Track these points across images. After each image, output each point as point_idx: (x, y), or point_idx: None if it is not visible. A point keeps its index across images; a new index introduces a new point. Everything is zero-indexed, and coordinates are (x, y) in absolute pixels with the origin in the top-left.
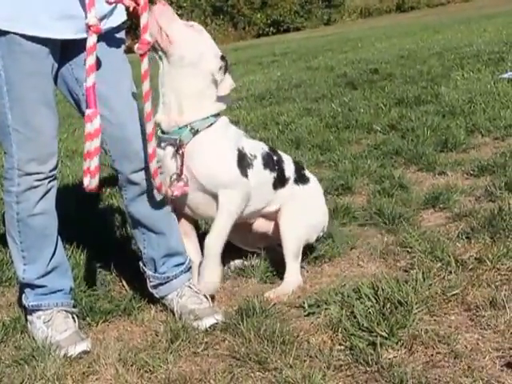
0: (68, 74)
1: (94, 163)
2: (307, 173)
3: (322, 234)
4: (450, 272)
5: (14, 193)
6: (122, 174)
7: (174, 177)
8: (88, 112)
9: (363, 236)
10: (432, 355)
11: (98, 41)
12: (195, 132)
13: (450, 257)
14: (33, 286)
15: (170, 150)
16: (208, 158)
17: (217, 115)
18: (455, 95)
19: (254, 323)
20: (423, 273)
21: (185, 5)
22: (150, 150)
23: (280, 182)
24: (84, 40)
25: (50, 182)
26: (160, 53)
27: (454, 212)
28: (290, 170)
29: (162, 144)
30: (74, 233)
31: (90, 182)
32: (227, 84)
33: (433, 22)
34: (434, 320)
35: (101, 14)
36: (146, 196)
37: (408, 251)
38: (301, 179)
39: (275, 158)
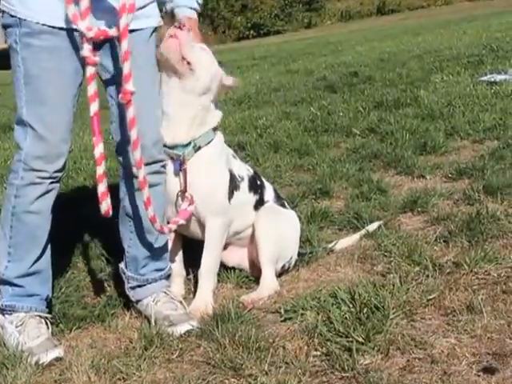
0: None
1: (100, 188)
2: (287, 204)
3: (288, 264)
4: (428, 276)
5: (15, 185)
6: (126, 166)
7: (179, 194)
8: (93, 139)
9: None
10: (408, 360)
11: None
12: (197, 148)
13: (427, 261)
14: (10, 284)
15: (170, 163)
16: (205, 183)
17: (215, 129)
18: (434, 98)
19: (229, 329)
20: (400, 277)
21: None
22: (140, 177)
23: (260, 204)
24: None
25: (52, 182)
26: (170, 73)
27: (432, 216)
28: (270, 194)
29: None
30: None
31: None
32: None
33: (413, 24)
34: (411, 325)
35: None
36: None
37: (385, 255)
38: (281, 205)
39: (258, 182)
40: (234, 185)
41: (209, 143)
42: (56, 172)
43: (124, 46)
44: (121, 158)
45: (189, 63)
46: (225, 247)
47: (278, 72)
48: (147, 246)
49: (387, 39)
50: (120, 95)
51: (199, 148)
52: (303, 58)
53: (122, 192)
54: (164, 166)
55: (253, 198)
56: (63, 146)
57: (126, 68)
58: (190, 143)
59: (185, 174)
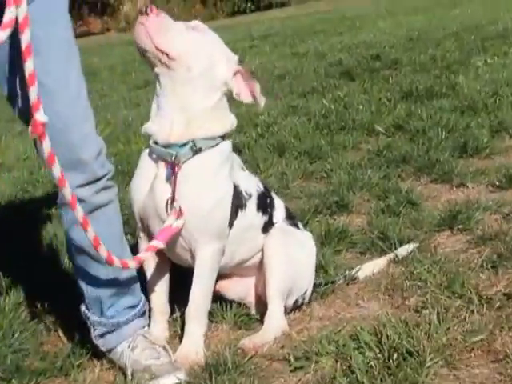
0: None
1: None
2: (301, 225)
3: (301, 299)
4: (473, 312)
5: None
6: None
7: (168, 203)
8: None
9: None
10: None
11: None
12: (196, 150)
13: (471, 292)
14: None
15: (163, 167)
16: (201, 195)
17: (223, 137)
18: (476, 86)
19: (226, 382)
20: (438, 313)
21: None
22: (67, 196)
23: (270, 225)
24: None
25: None
26: (160, 68)
27: (476, 235)
28: (280, 214)
29: (154, 157)
30: None
31: None
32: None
33: None
34: (453, 374)
35: None
36: (94, 216)
37: (419, 286)
38: (293, 225)
39: (268, 200)
40: (238, 202)
41: (212, 147)
42: None
43: (29, 65)
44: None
45: (165, 52)
46: (227, 277)
47: (282, 55)
48: (110, 280)
49: (417, 13)
50: (30, 128)
51: (199, 150)
52: (313, 38)
53: (66, 222)
54: (112, 178)
55: (261, 220)
56: None
57: (33, 94)
58: (187, 143)
59: (175, 179)
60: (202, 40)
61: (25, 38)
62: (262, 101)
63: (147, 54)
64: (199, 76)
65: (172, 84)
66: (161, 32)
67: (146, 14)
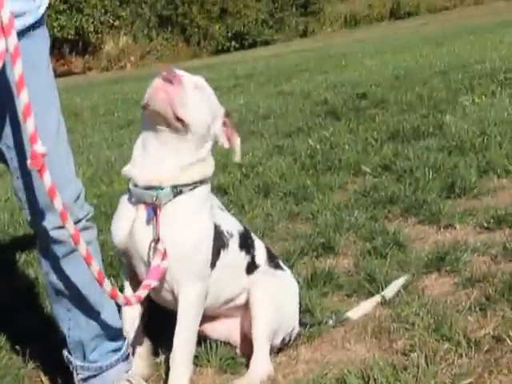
0: None
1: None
2: (282, 264)
3: (288, 337)
4: (461, 355)
5: None
6: (43, 231)
7: (152, 245)
8: None
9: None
10: None
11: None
12: (177, 192)
13: (460, 335)
14: None
15: (143, 209)
16: (182, 236)
17: (203, 181)
18: (464, 126)
19: None
20: (426, 356)
21: (123, 14)
22: (70, 230)
23: (253, 266)
24: None
25: None
26: (164, 127)
27: (464, 276)
28: (262, 255)
29: (133, 200)
30: None
31: None
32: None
33: (435, 31)
34: None
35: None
36: (74, 258)
37: (407, 328)
38: (275, 266)
39: (249, 240)
40: (220, 243)
41: (192, 190)
42: None
43: (24, 96)
44: (36, 221)
45: (182, 120)
46: (211, 318)
47: (267, 94)
48: (93, 324)
49: (403, 51)
50: (28, 161)
51: (180, 192)
52: (298, 76)
53: (45, 265)
54: (91, 219)
55: (245, 259)
56: None
57: (30, 126)
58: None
59: (157, 221)
60: (206, 104)
61: (18, 69)
62: (239, 154)
63: (158, 116)
64: (199, 135)
65: (170, 139)
66: (182, 102)
67: (170, 82)
